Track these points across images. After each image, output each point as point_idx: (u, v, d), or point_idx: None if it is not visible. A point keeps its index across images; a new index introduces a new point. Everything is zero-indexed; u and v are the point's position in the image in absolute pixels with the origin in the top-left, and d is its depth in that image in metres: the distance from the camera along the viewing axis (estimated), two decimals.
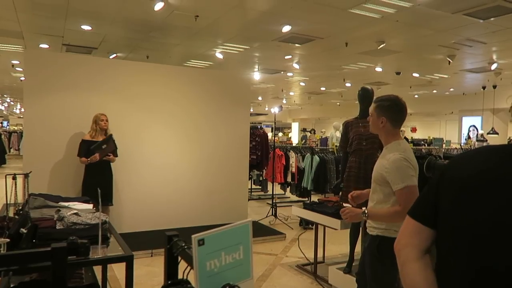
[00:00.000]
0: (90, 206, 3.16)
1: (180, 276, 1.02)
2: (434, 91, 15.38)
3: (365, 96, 3.99)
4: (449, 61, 8.74)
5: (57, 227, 2.41)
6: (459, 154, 1.23)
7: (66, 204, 3.02)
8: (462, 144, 11.60)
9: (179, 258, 1.14)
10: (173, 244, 1.15)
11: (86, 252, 1.94)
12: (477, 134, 15.13)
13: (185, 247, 1.09)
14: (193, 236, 0.84)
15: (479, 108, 14.63)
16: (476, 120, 16.38)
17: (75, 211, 2.57)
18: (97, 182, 4.07)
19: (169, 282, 0.98)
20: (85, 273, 2.73)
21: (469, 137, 15.44)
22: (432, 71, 10.97)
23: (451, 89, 14.92)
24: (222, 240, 0.87)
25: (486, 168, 1.05)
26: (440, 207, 1.10)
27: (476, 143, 11.62)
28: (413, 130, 21.29)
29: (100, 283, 2.79)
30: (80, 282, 2.42)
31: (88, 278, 2.86)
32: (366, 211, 2.41)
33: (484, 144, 10.96)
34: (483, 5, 5.45)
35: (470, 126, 16.74)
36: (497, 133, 12.89)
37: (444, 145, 9.63)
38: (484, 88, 13.46)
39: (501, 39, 7.29)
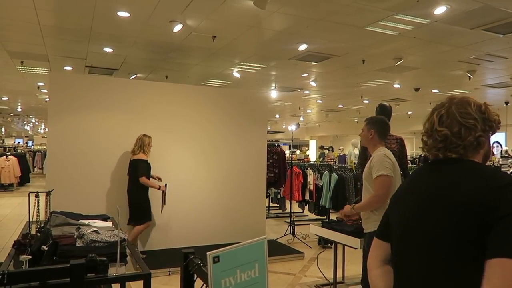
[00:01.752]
0: (109, 224, 3.21)
1: None
2: None
3: (383, 113, 3.96)
4: (470, 77, 8.61)
5: (77, 245, 2.45)
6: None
7: (86, 221, 3.07)
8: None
9: (195, 276, 1.14)
10: (189, 261, 1.15)
11: (104, 269, 1.96)
12: (501, 151, 14.74)
13: (201, 264, 1.09)
14: (208, 253, 0.84)
15: (503, 124, 14.22)
16: (500, 136, 15.99)
17: (94, 229, 2.61)
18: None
19: None
20: None
21: (493, 153, 15.05)
22: (452, 87, 10.82)
23: None
24: (238, 257, 0.86)
25: (406, 184, 1.37)
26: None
27: (501, 159, 11.31)
28: None
29: None
30: None
31: None
32: (354, 206, 3.07)
33: (509, 161, 10.66)
34: (502, 20, 5.39)
35: (494, 142, 16.33)
36: None
37: None
38: (507, 103, 13.17)
39: None
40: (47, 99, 5.88)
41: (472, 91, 11.26)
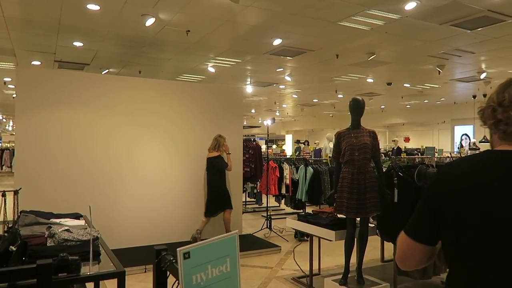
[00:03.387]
0: (82, 222, 3.13)
1: None
2: (426, 101, 15.54)
3: (356, 107, 4.02)
4: (439, 71, 8.86)
5: (48, 244, 2.38)
6: (443, 169, 1.29)
7: (57, 220, 2.98)
8: (455, 153, 11.68)
9: (168, 273, 1.13)
10: (161, 258, 1.14)
11: (77, 269, 1.91)
12: (469, 143, 15.26)
13: (173, 261, 1.08)
14: (178, 249, 0.83)
15: (471, 117, 14.78)
16: (468, 129, 16.56)
17: (66, 228, 2.54)
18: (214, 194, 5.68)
19: None
20: None
21: (461, 145, 15.57)
22: (423, 81, 11.11)
23: (442, 99, 15.09)
24: (209, 253, 0.86)
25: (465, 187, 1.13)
26: (441, 225, 1.18)
27: (469, 151, 11.71)
28: (406, 139, 21.44)
29: None
30: None
31: None
32: None
33: (477, 152, 11.05)
34: (469, 15, 5.56)
35: (462, 135, 16.91)
36: (488, 141, 12.97)
37: (436, 154, 9.69)
38: (474, 97, 13.63)
39: (489, 48, 7.42)
40: (14, 95, 5.68)
41: (441, 85, 11.60)
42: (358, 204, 3.68)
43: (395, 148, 13.78)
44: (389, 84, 11.06)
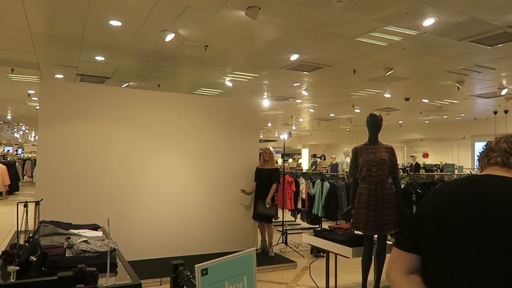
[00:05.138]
0: (99, 233, 3.18)
1: None
2: (445, 116, 15.31)
3: (373, 122, 4.00)
4: (458, 87, 8.74)
5: (66, 255, 2.41)
6: (433, 190, 1.51)
7: (76, 231, 3.04)
8: (475, 169, 11.42)
9: (185, 287, 1.13)
10: (179, 273, 1.15)
11: (94, 280, 1.94)
12: None
13: (190, 276, 1.09)
14: (196, 266, 0.84)
15: (492, 133, 14.47)
16: None
17: (84, 239, 2.58)
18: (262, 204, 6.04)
19: None
20: None
21: None
22: (442, 96, 10.97)
23: (462, 114, 14.85)
24: (226, 269, 0.86)
25: (443, 200, 1.34)
26: (423, 236, 1.34)
27: None
28: (425, 155, 21.10)
29: None
30: None
31: None
32: None
33: None
34: (489, 32, 5.50)
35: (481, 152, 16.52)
36: None
37: (456, 170, 9.50)
38: (495, 113, 13.37)
39: (510, 64, 7.30)
40: (38, 107, 5.85)
41: (461, 101, 11.43)
42: (376, 221, 3.63)
43: (413, 164, 13.59)
44: (407, 99, 10.96)
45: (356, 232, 3.96)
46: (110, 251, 2.32)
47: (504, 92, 9.39)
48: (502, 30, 5.40)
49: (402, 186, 4.13)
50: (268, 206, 6.02)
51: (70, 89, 5.64)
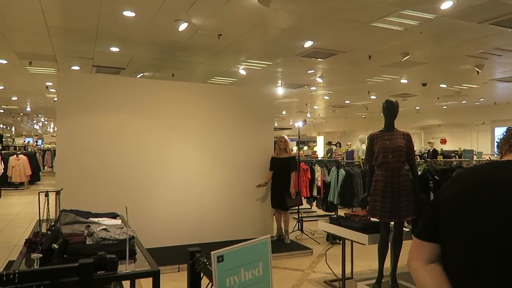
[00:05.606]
0: (118, 221, 3.25)
1: None
2: (464, 102, 14.99)
3: (390, 109, 3.93)
4: (478, 71, 8.53)
5: (87, 243, 2.48)
6: (452, 178, 1.48)
7: (95, 219, 3.11)
8: (495, 155, 11.19)
9: (202, 274, 1.15)
10: (195, 260, 1.17)
11: (114, 267, 1.99)
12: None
13: (207, 263, 1.11)
14: (212, 252, 0.85)
15: None
16: None
17: (104, 227, 2.64)
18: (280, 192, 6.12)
19: None
20: None
21: None
22: (460, 81, 10.72)
23: (482, 99, 14.51)
24: (241, 256, 0.87)
25: (463, 187, 1.30)
26: (441, 223, 1.31)
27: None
28: (443, 141, 20.75)
29: None
30: None
31: None
32: None
33: None
34: (510, 13, 5.33)
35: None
36: None
37: (475, 156, 9.31)
38: None
39: None
40: (56, 99, 5.95)
41: (480, 85, 11.16)
42: (392, 208, 3.61)
43: (431, 151, 13.37)
44: (424, 85, 10.75)
45: (372, 219, 3.94)
46: (129, 238, 2.37)
47: None
48: None
49: (419, 173, 4.08)
50: (293, 198, 6.09)
51: (87, 80, 5.72)
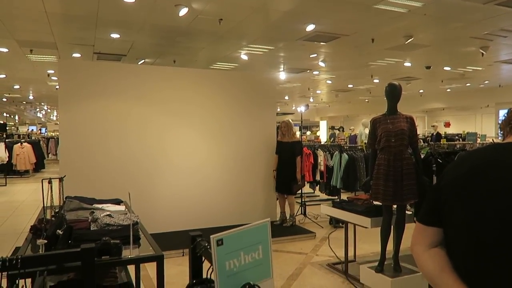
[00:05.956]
0: (122, 207, 3.27)
1: (204, 275, 1.04)
2: (468, 84, 14.84)
3: (392, 92, 3.90)
4: (482, 53, 8.42)
5: (91, 228, 2.51)
6: (454, 161, 1.48)
7: (100, 206, 3.13)
8: (499, 138, 11.15)
9: (203, 258, 1.16)
10: (196, 244, 1.18)
11: (118, 252, 2.02)
12: None
13: (208, 247, 1.11)
14: (212, 236, 0.86)
15: None
16: None
17: (108, 213, 2.66)
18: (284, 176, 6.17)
19: (194, 281, 1.01)
20: (119, 273, 2.83)
21: None
22: (465, 64, 10.60)
23: (486, 82, 14.36)
24: (241, 240, 0.88)
25: (465, 170, 1.28)
26: (443, 208, 1.29)
27: None
28: (447, 125, 20.64)
29: (134, 282, 2.89)
30: (114, 281, 2.50)
31: (123, 277, 2.96)
32: None
33: None
34: None
35: None
36: None
37: (479, 139, 9.26)
38: None
39: None
40: (58, 87, 5.95)
41: (485, 67, 11.03)
42: (395, 191, 3.61)
43: (434, 134, 13.32)
44: (428, 67, 10.64)
45: (375, 202, 3.96)
46: (133, 224, 2.40)
47: None
48: None
49: (422, 156, 4.07)
50: (299, 183, 6.14)
51: (88, 68, 5.71)
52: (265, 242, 0.91)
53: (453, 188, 1.28)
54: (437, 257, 1.30)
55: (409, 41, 7.38)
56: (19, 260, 1.30)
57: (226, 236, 0.85)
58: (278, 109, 24.30)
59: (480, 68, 11.23)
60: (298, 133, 10.56)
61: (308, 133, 18.85)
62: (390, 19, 6.29)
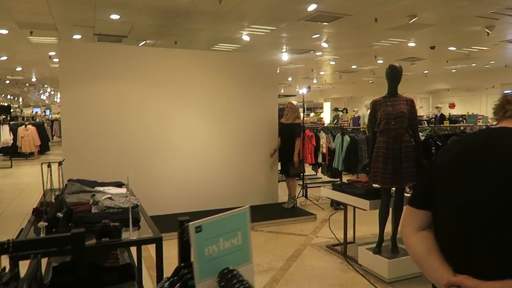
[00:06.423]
0: (123, 190, 3.31)
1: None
2: (473, 65, 14.64)
3: (393, 74, 3.87)
4: (488, 33, 8.27)
5: (92, 211, 2.55)
6: (447, 145, 1.50)
7: (101, 188, 3.17)
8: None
9: None
10: (184, 229, 1.20)
11: (118, 234, 2.06)
12: None
13: None
14: (190, 223, 0.88)
15: None
16: None
17: (109, 196, 2.70)
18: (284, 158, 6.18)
19: (182, 264, 1.03)
20: (121, 254, 2.89)
21: None
22: (470, 43, 10.44)
23: (492, 62, 14.15)
24: (220, 226, 0.90)
25: (455, 154, 1.31)
26: (433, 191, 1.32)
27: None
28: (452, 106, 20.48)
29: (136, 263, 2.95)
30: (116, 262, 2.56)
31: (126, 258, 3.02)
32: None
33: None
34: None
35: None
36: None
37: (480, 121, 9.17)
38: None
39: None
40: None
41: (491, 47, 10.86)
42: (393, 174, 3.63)
43: (438, 115, 13.24)
44: (432, 48, 10.48)
45: (374, 185, 3.98)
46: (132, 207, 2.44)
47: None
48: None
49: (422, 139, 4.07)
50: (296, 166, 6.10)
51: (88, 49, 5.68)
52: (245, 228, 0.94)
53: (443, 173, 1.29)
54: (425, 240, 1.32)
55: (413, 20, 7.26)
56: (11, 244, 1.34)
57: (205, 223, 0.87)
58: (282, 91, 24.16)
59: (485, 48, 11.05)
60: (301, 115, 10.54)
61: (312, 114, 18.78)
62: None
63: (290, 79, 19.86)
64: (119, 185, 3.57)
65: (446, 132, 4.32)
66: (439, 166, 1.33)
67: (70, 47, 5.93)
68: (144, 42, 9.34)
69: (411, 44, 10.17)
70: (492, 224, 1.14)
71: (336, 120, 15.75)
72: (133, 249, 3.07)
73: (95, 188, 3.14)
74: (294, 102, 6.46)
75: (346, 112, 17.70)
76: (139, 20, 7.48)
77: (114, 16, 7.16)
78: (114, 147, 5.57)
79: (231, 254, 0.89)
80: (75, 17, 7.19)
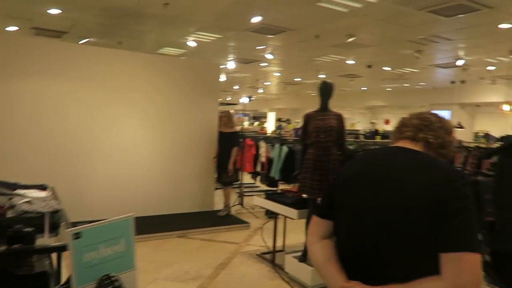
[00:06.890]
0: (45, 194, 3.17)
1: None
2: (406, 85, 15.71)
3: (325, 89, 4.10)
4: (417, 56, 8.95)
5: (7, 215, 2.43)
6: (351, 160, 1.63)
7: (22, 192, 3.01)
8: None
9: None
10: None
11: (31, 240, 1.99)
12: None
13: None
14: (68, 230, 0.91)
15: (448, 103, 15.08)
16: (445, 114, 16.87)
17: (28, 199, 2.58)
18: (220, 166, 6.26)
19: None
20: (39, 262, 2.76)
21: None
22: (403, 65, 11.21)
23: (422, 83, 15.27)
24: (101, 233, 0.94)
25: (354, 170, 1.47)
26: (335, 203, 1.46)
27: None
28: (386, 122, 21.72)
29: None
30: (29, 270, 2.45)
31: (46, 266, 2.88)
32: None
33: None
34: (446, 3, 5.62)
35: None
36: (462, 127, 13.35)
37: None
38: (453, 82, 13.85)
39: (467, 36, 7.53)
40: None
41: (421, 70, 11.73)
42: (321, 185, 3.81)
43: (374, 130, 14.03)
44: (369, 66, 11.12)
45: (303, 195, 4.15)
46: (52, 212, 2.36)
47: (460, 63, 9.70)
48: (457, 2, 5.54)
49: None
50: (230, 174, 6.17)
51: (22, 43, 5.35)
52: (128, 235, 0.98)
53: (343, 186, 1.44)
54: (325, 248, 1.45)
55: (350, 39, 7.68)
56: None
57: (85, 230, 0.90)
58: (229, 98, 24.23)
59: (416, 70, 11.92)
60: (246, 123, 10.64)
61: (256, 124, 19.04)
62: (333, 18, 6.50)
63: (237, 87, 20.02)
64: (43, 188, 3.41)
65: (370, 147, 4.62)
66: (340, 180, 1.47)
67: (2, 39, 5.56)
68: (87, 40, 8.99)
69: (350, 62, 10.73)
70: (380, 236, 1.29)
71: (279, 130, 16.10)
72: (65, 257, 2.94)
73: (16, 190, 2.99)
74: (231, 111, 6.55)
75: (289, 123, 18.15)
76: (82, 17, 7.21)
77: (54, 11, 6.82)
78: (45, 149, 5.28)
79: (114, 261, 0.93)
80: (9, 7, 6.76)
